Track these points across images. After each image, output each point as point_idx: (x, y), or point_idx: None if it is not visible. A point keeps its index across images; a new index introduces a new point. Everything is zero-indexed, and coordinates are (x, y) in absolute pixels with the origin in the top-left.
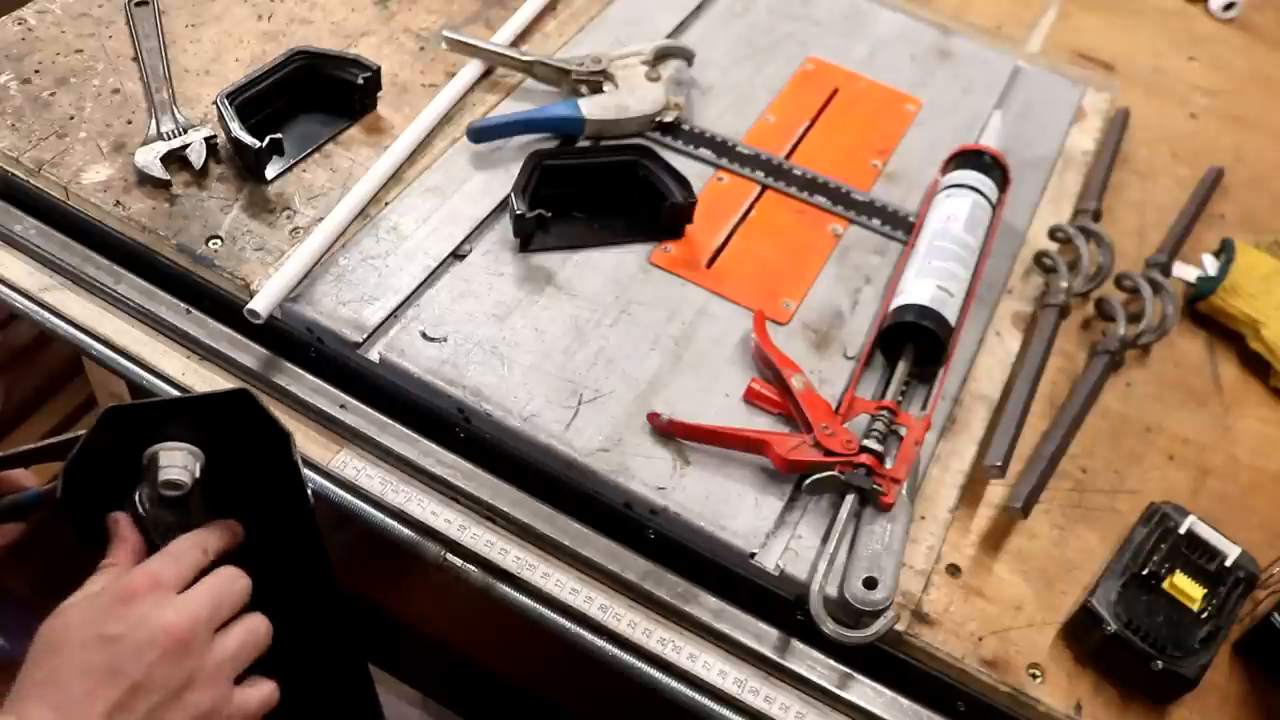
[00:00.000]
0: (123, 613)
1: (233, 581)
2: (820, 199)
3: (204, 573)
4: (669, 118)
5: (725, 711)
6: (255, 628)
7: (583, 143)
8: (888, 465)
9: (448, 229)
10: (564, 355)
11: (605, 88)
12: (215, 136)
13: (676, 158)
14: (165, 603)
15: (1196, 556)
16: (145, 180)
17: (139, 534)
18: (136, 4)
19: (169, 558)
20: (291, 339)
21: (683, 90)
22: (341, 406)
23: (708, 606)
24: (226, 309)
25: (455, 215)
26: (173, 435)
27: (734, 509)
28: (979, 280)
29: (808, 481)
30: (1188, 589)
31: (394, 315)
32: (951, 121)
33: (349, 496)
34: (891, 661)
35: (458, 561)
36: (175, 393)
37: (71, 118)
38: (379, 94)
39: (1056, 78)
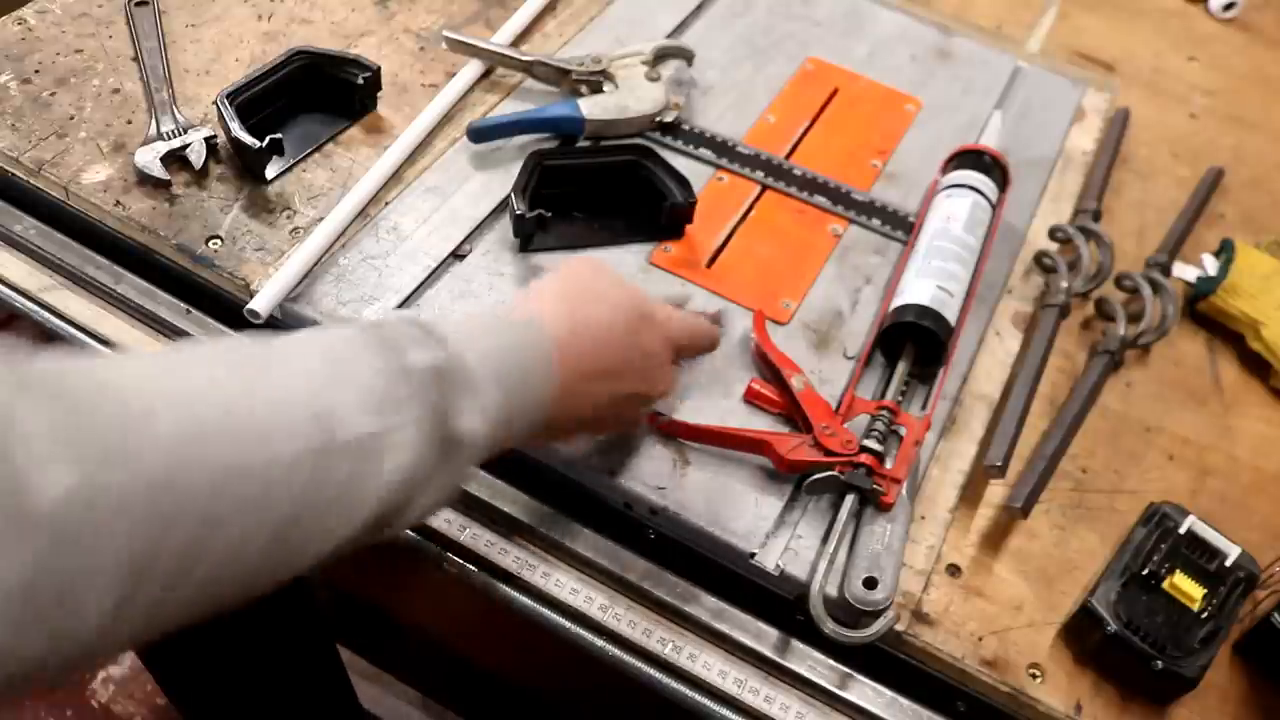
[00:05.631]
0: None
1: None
2: (820, 199)
3: None
4: (669, 118)
5: (725, 711)
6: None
7: (583, 143)
8: (888, 465)
9: (448, 229)
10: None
11: (605, 88)
12: (215, 136)
13: (676, 158)
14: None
15: (1196, 556)
16: (145, 180)
17: None
18: (136, 4)
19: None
20: None
21: (683, 90)
22: None
23: (708, 606)
24: (226, 309)
25: (455, 215)
26: None
27: (734, 509)
28: (979, 280)
29: (808, 481)
30: (1188, 589)
31: None
32: (951, 121)
33: None
34: (891, 661)
35: (458, 561)
36: None
37: (71, 118)
38: (379, 94)
39: (1056, 78)
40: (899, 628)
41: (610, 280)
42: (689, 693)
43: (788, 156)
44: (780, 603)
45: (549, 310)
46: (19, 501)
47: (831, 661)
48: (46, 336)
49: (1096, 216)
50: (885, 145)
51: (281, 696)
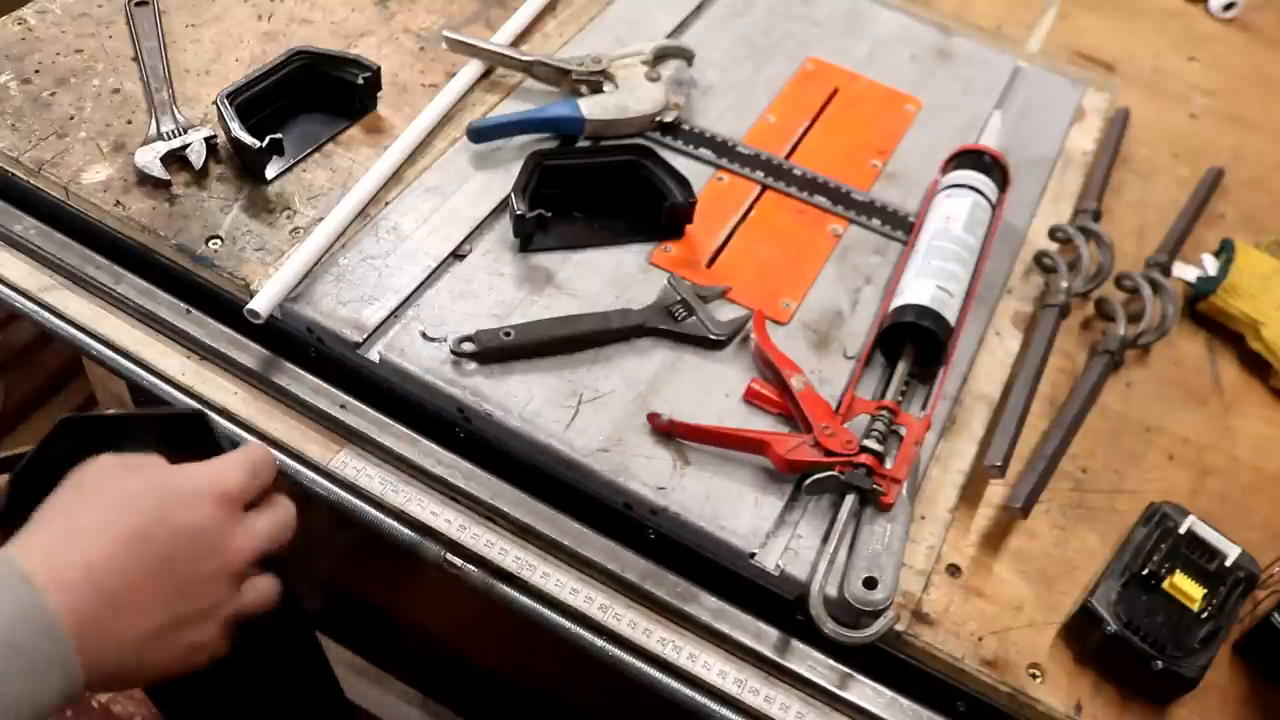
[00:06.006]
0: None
1: (267, 453)
2: (820, 199)
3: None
4: (669, 118)
5: (725, 711)
6: (286, 516)
7: (583, 143)
8: (888, 465)
9: (448, 229)
10: (564, 355)
11: (605, 88)
12: (215, 136)
13: (676, 158)
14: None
15: (1196, 556)
16: (145, 180)
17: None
18: (136, 4)
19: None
20: (291, 339)
21: (683, 90)
22: (341, 406)
23: (708, 606)
24: (226, 309)
25: (455, 215)
26: (133, 449)
27: (734, 509)
28: (979, 280)
29: (808, 481)
30: (1188, 589)
31: (394, 315)
32: (951, 121)
33: (349, 496)
34: (891, 661)
35: (458, 561)
36: (173, 391)
37: (71, 118)
38: (379, 94)
39: (1056, 78)
40: (899, 628)
41: (113, 481)
42: (689, 693)
43: (788, 156)
44: (780, 603)
45: (46, 560)
46: None
47: (831, 661)
48: (46, 337)
49: (1096, 216)
50: (885, 145)
51: (261, 688)
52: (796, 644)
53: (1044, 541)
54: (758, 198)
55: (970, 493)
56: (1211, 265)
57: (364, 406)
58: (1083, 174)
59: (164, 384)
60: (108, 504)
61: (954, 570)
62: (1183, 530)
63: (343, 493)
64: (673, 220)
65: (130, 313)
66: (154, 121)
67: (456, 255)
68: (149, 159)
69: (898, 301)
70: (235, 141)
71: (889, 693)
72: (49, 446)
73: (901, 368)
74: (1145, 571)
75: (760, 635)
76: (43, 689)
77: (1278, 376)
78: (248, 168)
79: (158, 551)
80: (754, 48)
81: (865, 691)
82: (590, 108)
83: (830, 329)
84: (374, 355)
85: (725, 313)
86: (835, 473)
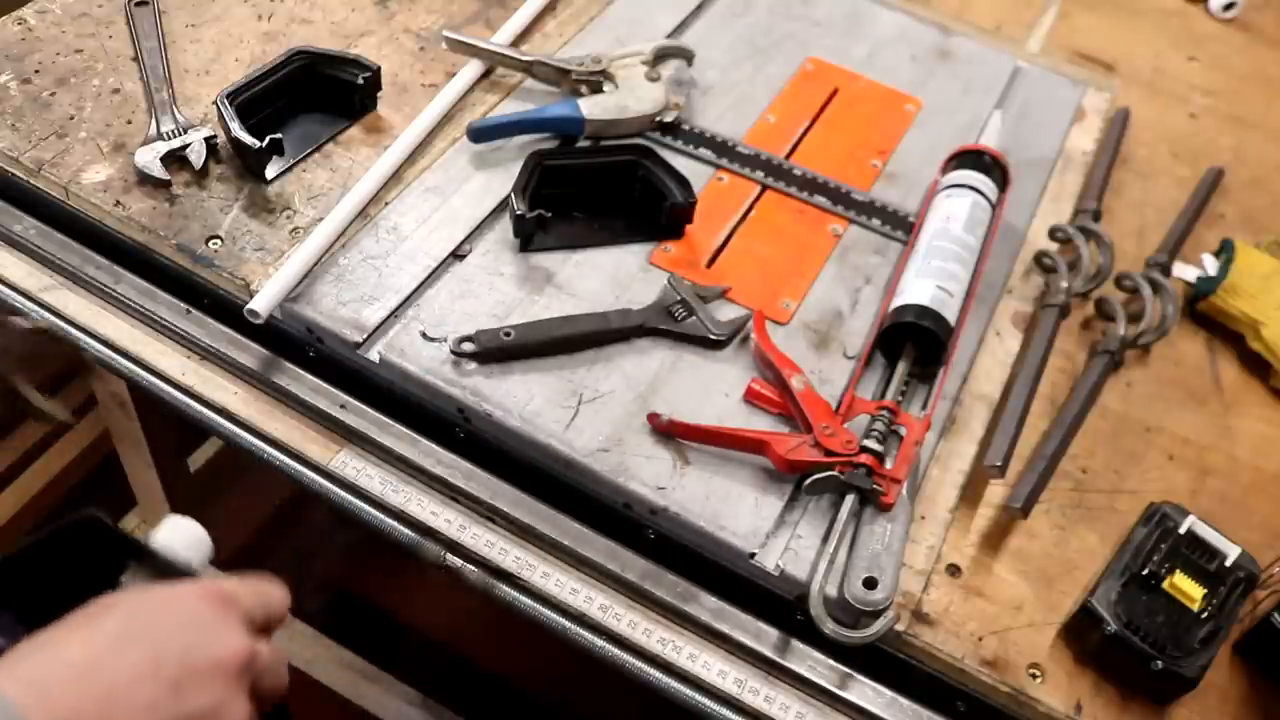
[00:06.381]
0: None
1: (279, 586)
2: (820, 199)
3: None
4: (669, 118)
5: (725, 711)
6: (284, 661)
7: (583, 143)
8: (888, 465)
9: (448, 229)
10: (564, 355)
11: (605, 88)
12: (215, 136)
13: (676, 158)
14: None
15: (1196, 556)
16: (145, 180)
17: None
18: (136, 4)
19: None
20: (291, 339)
21: (683, 90)
22: (341, 406)
23: (708, 606)
24: (226, 309)
25: (455, 215)
26: (135, 574)
27: (734, 509)
28: (979, 280)
29: (808, 481)
30: (1188, 589)
31: (394, 315)
32: (951, 121)
33: (349, 496)
34: (891, 661)
35: (458, 561)
36: (175, 393)
37: (71, 118)
38: (379, 94)
39: (1056, 78)
40: (899, 628)
41: (94, 607)
42: (689, 693)
43: (788, 156)
44: (780, 603)
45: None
46: None
47: (831, 661)
48: (48, 337)
49: (1096, 216)
50: (885, 145)
51: None
52: (796, 644)
53: (1044, 541)
54: (758, 198)
55: (970, 493)
56: (1211, 265)
57: (364, 406)
58: (1083, 174)
59: (164, 384)
60: (82, 617)
61: (954, 570)
62: (1183, 530)
63: (343, 493)
64: (673, 220)
65: (130, 313)
66: (154, 121)
67: (456, 255)
68: (149, 159)
69: (898, 301)
70: (235, 141)
71: (889, 693)
72: (55, 541)
73: (901, 368)
74: (1145, 571)
75: (760, 635)
76: None
77: (1278, 376)
78: (248, 168)
79: (140, 648)
80: (754, 48)
81: (865, 691)
82: (590, 108)
83: (830, 329)
84: (374, 355)
85: (725, 313)
86: (835, 473)
